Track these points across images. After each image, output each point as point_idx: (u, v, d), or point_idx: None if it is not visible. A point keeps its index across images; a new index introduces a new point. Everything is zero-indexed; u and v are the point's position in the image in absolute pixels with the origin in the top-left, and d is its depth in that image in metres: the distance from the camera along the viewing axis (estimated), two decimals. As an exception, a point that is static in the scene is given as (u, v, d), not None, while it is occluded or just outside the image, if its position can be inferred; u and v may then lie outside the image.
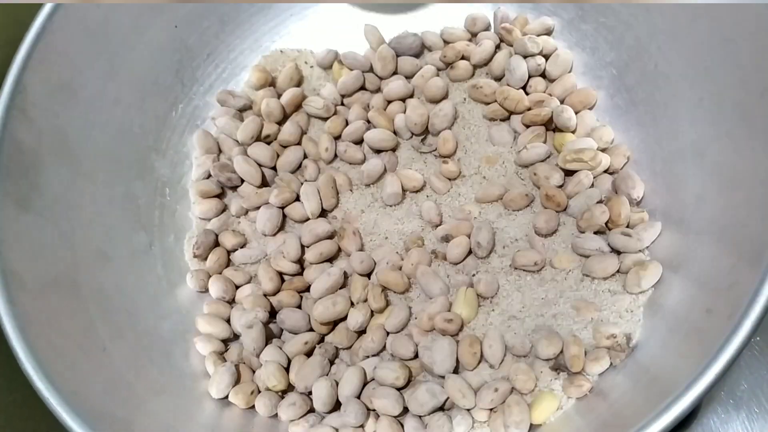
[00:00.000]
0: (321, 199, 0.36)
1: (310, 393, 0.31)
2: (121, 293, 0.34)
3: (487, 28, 0.39)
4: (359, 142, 0.37)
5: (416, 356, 0.31)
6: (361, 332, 0.33)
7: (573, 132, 0.35)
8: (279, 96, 0.39)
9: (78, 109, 0.35)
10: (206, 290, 0.36)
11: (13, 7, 0.44)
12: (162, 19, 0.37)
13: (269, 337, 0.33)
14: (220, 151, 0.39)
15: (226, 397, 0.32)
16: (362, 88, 0.39)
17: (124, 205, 0.36)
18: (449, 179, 0.36)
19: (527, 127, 0.36)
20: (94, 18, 0.35)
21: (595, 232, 0.32)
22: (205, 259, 0.36)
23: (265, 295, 0.35)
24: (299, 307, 0.34)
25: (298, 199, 0.36)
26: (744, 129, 0.28)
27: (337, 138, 0.38)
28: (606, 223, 0.32)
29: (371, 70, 0.39)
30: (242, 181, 0.38)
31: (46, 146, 0.33)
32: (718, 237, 0.28)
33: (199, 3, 0.38)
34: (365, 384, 0.31)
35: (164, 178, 0.38)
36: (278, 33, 0.41)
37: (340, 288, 0.34)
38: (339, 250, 0.35)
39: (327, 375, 0.32)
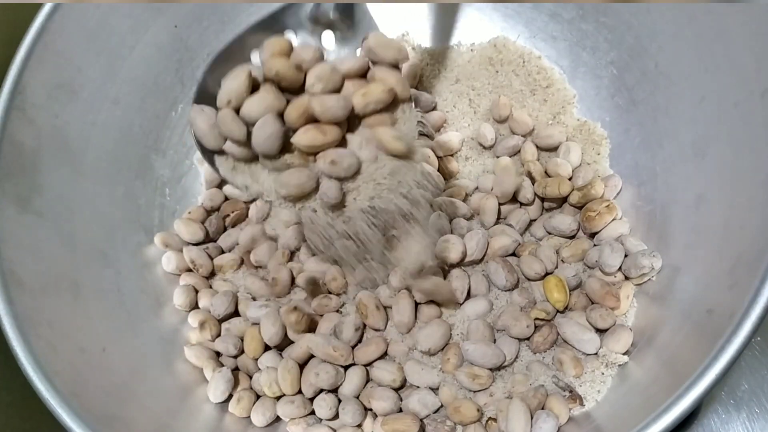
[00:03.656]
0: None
1: (312, 398, 0.31)
2: (121, 293, 0.34)
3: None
4: None
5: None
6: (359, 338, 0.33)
7: (570, 179, 0.35)
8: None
9: (78, 109, 0.35)
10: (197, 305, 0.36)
11: (13, 7, 0.44)
12: (162, 19, 0.37)
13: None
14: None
15: (225, 401, 0.32)
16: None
17: (124, 205, 0.36)
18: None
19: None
20: (94, 18, 0.35)
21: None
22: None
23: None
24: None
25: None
26: (744, 129, 0.28)
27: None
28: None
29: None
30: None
31: (46, 146, 0.33)
32: (719, 237, 0.28)
33: (199, 3, 0.38)
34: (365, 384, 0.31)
35: (164, 178, 0.38)
36: (278, 33, 0.41)
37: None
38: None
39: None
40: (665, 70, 0.32)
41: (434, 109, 0.38)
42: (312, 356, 0.32)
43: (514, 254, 0.34)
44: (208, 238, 0.37)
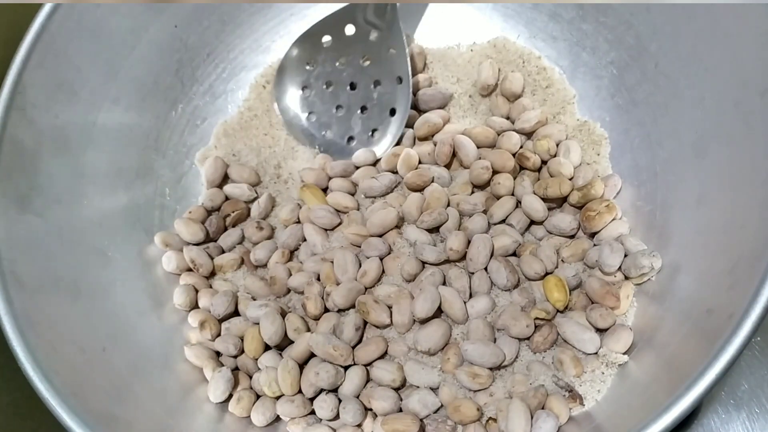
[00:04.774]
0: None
1: (312, 398, 0.31)
2: (121, 293, 0.34)
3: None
4: None
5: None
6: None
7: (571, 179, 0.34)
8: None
9: (78, 109, 0.35)
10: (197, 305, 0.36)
11: (13, 7, 0.44)
12: (162, 19, 0.37)
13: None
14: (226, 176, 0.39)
15: (225, 400, 0.32)
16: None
17: (124, 205, 0.36)
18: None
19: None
20: (94, 18, 0.35)
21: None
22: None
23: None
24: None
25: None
26: (744, 129, 0.28)
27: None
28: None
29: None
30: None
31: (46, 146, 0.33)
32: (718, 237, 0.28)
33: (199, 3, 0.38)
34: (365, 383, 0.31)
35: (164, 178, 0.38)
36: (278, 33, 0.41)
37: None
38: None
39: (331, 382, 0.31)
40: (665, 70, 0.32)
41: (440, 107, 0.38)
42: (312, 356, 0.32)
43: (514, 254, 0.34)
44: (209, 238, 0.37)
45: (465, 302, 0.32)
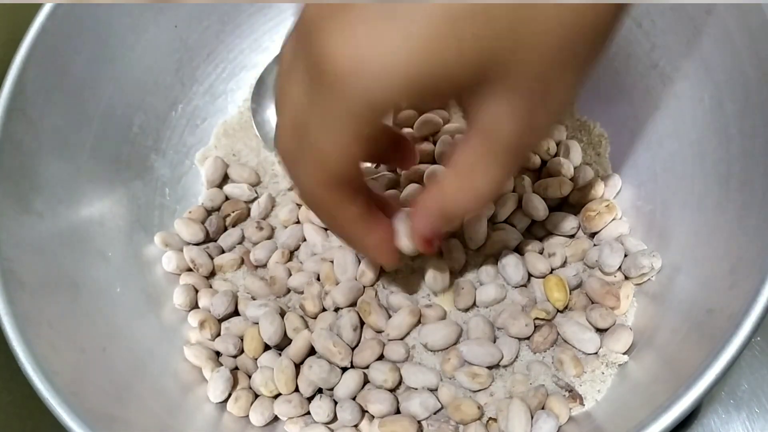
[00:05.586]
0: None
1: (310, 398, 0.31)
2: (120, 293, 0.34)
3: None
4: None
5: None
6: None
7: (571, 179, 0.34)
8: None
9: (77, 109, 0.35)
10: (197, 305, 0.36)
11: (13, 7, 0.44)
12: (162, 19, 0.37)
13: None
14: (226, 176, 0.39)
15: (225, 400, 0.32)
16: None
17: (124, 205, 0.36)
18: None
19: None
20: (94, 18, 0.35)
21: None
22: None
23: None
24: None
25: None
26: (744, 129, 0.28)
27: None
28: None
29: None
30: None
31: (46, 146, 0.33)
32: (718, 237, 0.28)
33: (199, 3, 0.38)
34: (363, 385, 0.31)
35: (164, 178, 0.38)
36: (278, 33, 0.41)
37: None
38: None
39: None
40: (665, 70, 0.32)
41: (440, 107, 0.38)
42: (310, 355, 0.32)
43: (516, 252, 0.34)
44: (209, 238, 0.37)
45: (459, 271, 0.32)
